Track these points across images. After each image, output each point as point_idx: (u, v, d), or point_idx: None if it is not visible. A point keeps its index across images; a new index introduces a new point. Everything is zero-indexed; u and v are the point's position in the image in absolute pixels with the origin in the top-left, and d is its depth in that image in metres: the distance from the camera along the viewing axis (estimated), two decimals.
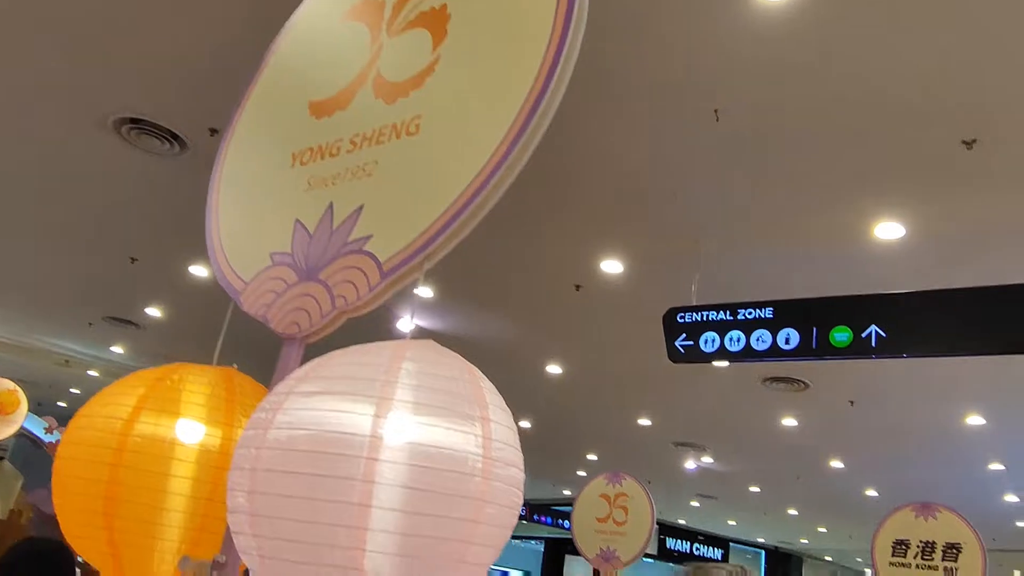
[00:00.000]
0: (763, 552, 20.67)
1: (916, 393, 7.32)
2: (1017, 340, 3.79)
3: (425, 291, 6.62)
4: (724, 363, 5.06)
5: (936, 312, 4.03)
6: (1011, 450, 8.84)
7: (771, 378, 7.28)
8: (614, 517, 7.44)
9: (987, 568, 6.47)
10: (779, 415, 8.43)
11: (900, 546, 6.88)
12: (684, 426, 9.70)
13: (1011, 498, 11.05)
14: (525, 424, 10.92)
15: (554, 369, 8.14)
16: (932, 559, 6.74)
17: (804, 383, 7.27)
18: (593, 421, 10.17)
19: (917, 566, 6.76)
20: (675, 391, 8.28)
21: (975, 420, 7.78)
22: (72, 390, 13.72)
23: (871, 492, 11.41)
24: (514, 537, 22.19)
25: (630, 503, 7.42)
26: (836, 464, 10.24)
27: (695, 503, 15.17)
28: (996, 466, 9.43)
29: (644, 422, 9.65)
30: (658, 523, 18.81)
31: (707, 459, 11.06)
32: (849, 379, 7.19)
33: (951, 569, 6.62)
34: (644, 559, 19.75)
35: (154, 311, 8.30)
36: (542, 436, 11.41)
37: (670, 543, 18.97)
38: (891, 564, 6.85)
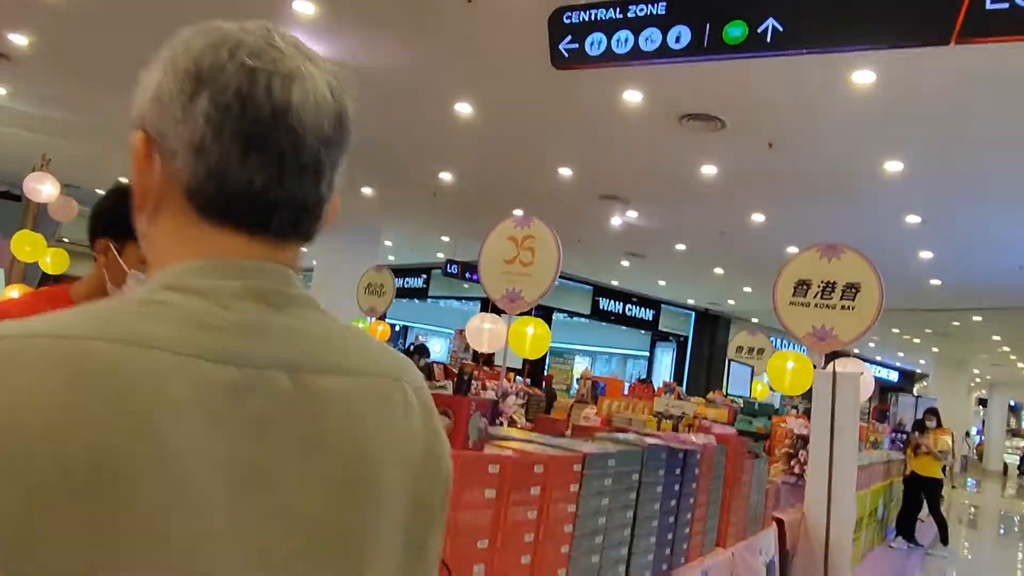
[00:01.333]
0: (693, 314, 21.51)
1: (834, 135, 7.03)
2: (920, 27, 3.38)
3: (305, 6, 5.90)
4: (609, 67, 4.59)
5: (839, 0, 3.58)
6: (928, 201, 8.80)
7: (688, 115, 6.89)
8: (520, 259, 7.32)
9: (881, 308, 6.55)
10: (698, 160, 8.16)
11: (801, 286, 6.92)
12: (605, 176, 9.43)
13: (926, 254, 11.27)
14: (446, 176, 10.55)
15: (463, 108, 7.63)
16: (831, 298, 6.81)
17: (721, 120, 6.90)
18: (513, 171, 9.83)
19: (816, 305, 6.83)
20: (591, 133, 7.89)
21: (893, 166, 7.60)
22: None
23: (791, 248, 11.49)
24: (450, 298, 22.61)
25: (537, 245, 7.27)
26: (757, 217, 10.20)
27: (625, 263, 15.36)
28: (913, 218, 9.45)
29: (565, 171, 9.34)
30: (591, 284, 19.29)
31: (632, 213, 10.94)
32: (767, 119, 6.84)
33: (848, 307, 6.71)
34: (578, 318, 20.32)
35: (18, 37, 7.40)
36: (465, 191, 11.11)
37: (603, 304, 19.52)
38: (791, 304, 6.92)
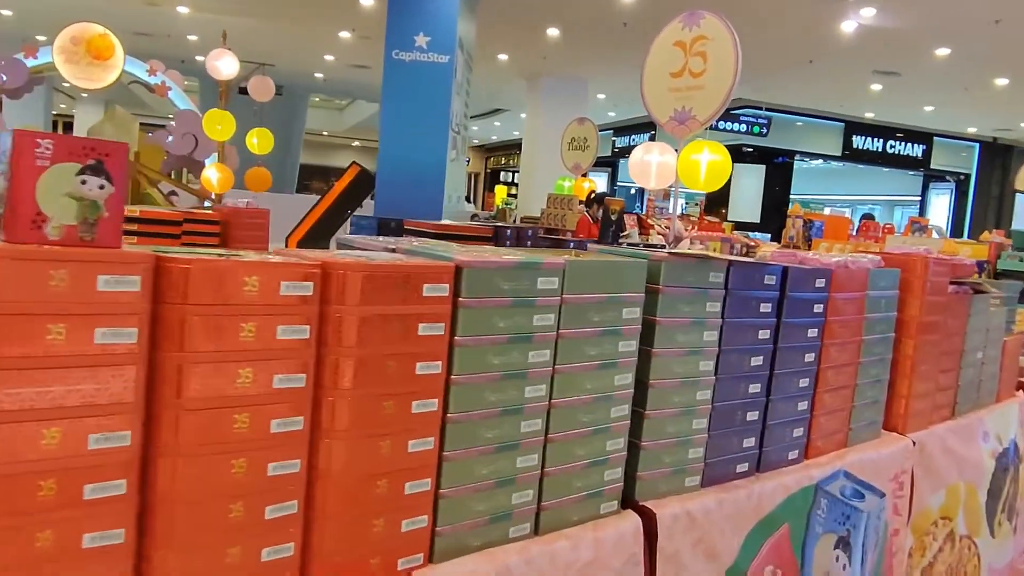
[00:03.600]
0: (976, 146, 17.81)
1: None
2: None
3: None
4: None
5: None
6: None
7: None
8: (690, 67, 5.78)
9: None
10: None
11: None
12: None
13: None
14: None
15: None
16: None
17: None
18: None
19: None
20: None
21: None
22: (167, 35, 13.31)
23: None
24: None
25: (709, 48, 5.67)
26: None
27: (876, 86, 12.67)
28: None
29: None
30: (840, 119, 16.48)
31: (868, 11, 8.62)
32: None
33: None
34: (831, 163, 17.74)
35: None
36: (655, 11, 9.40)
37: (857, 141, 16.72)
38: None
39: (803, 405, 1.90)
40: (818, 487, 1.89)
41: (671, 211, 6.65)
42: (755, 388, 1.74)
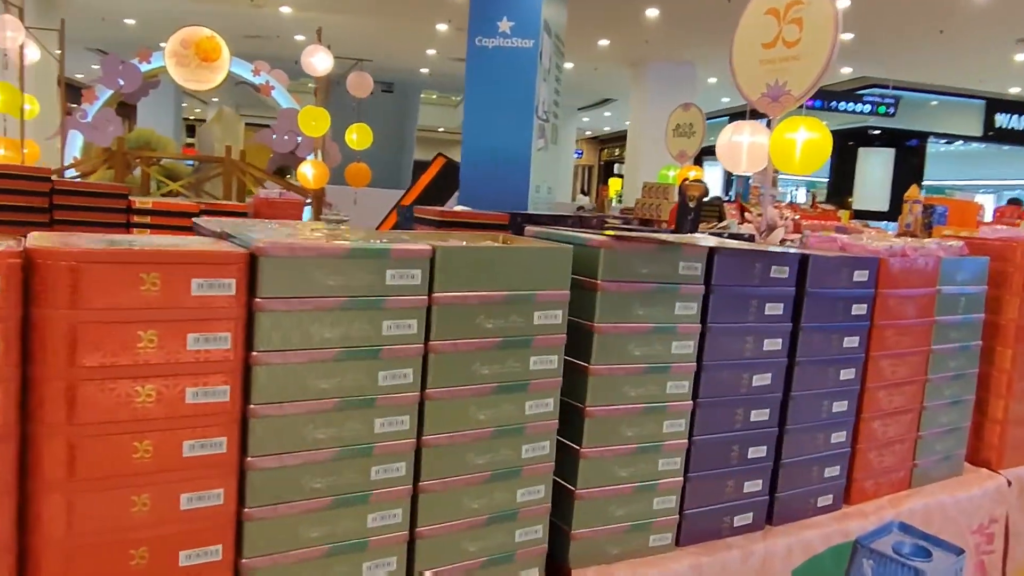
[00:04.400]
0: None
1: None
2: None
3: None
4: None
5: None
6: None
7: None
8: (784, 37, 5.17)
9: None
10: None
11: None
12: None
13: None
14: None
15: None
16: None
17: None
18: None
19: None
20: None
21: None
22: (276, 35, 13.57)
23: None
24: None
25: (805, 13, 5.05)
26: None
27: (1021, 56, 11.37)
28: None
29: None
30: (980, 96, 14.96)
31: None
32: None
33: None
34: (970, 144, 16.24)
35: None
36: None
37: (1001, 120, 15.16)
38: None
39: (839, 436, 1.46)
40: (858, 544, 1.44)
41: (777, 196, 6.05)
42: (761, 415, 1.32)
